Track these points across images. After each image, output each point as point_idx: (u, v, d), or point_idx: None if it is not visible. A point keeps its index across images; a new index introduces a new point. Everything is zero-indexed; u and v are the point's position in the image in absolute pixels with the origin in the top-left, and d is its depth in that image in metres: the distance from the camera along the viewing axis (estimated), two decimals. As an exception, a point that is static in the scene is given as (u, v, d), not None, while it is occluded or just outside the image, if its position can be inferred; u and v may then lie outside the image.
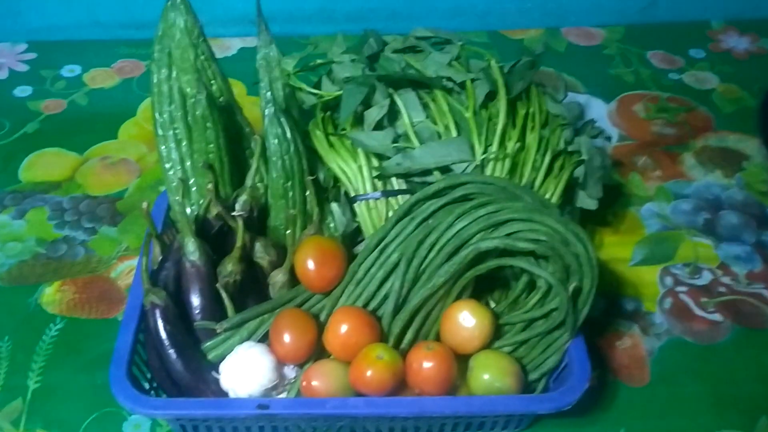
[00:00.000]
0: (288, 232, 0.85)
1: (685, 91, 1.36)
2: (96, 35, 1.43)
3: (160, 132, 0.91)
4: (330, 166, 0.91)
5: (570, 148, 0.94)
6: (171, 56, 0.89)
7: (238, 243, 0.81)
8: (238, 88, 1.34)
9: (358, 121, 0.92)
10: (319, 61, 1.00)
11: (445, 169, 0.89)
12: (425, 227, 0.82)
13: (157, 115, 0.91)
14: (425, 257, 0.80)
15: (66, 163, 1.18)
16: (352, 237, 0.93)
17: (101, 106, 1.29)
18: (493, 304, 0.84)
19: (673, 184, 1.17)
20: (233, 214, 0.81)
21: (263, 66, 0.93)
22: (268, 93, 0.87)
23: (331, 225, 0.93)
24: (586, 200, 0.95)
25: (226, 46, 1.44)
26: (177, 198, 0.90)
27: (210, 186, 0.82)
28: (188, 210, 0.90)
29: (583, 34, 1.50)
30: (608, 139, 1.07)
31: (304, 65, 0.97)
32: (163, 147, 0.91)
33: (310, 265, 0.81)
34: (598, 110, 1.31)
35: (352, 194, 0.91)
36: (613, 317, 0.98)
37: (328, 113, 0.96)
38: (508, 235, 0.77)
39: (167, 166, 0.91)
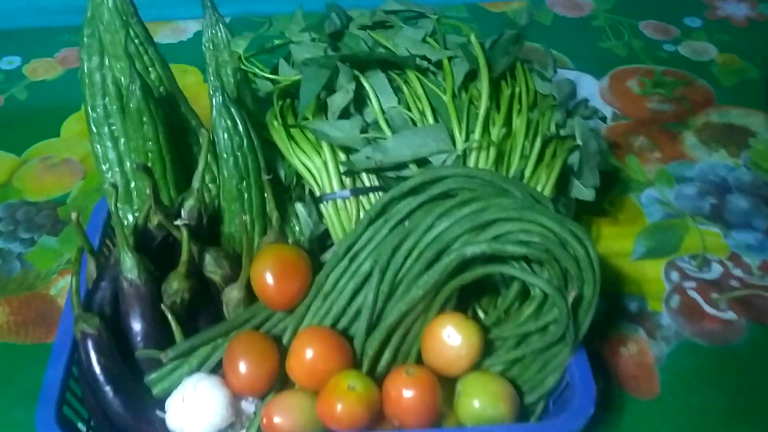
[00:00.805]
0: (244, 240, 0.74)
1: (682, 64, 1.25)
2: (36, 22, 1.31)
3: (93, 129, 0.80)
4: (291, 161, 0.80)
5: (562, 132, 0.83)
6: (102, 41, 0.77)
7: (184, 257, 0.70)
8: (195, 76, 1.22)
9: (321, 109, 0.80)
10: (276, 42, 0.88)
11: (422, 162, 0.78)
12: (401, 230, 0.71)
13: (89, 109, 0.80)
14: (402, 265, 0.69)
15: (2, 165, 1.06)
16: (321, 241, 0.82)
17: (43, 101, 1.17)
18: (481, 314, 0.74)
19: (675, 166, 1.07)
20: (176, 223, 0.69)
21: (209, 50, 0.82)
22: (216, 80, 0.76)
23: (296, 228, 0.82)
24: (582, 190, 0.85)
25: (182, 29, 1.32)
26: (115, 204, 0.79)
27: (148, 191, 0.70)
28: (129, 217, 0.79)
29: (570, 5, 1.39)
30: (603, 119, 0.96)
31: (259, 48, 0.85)
32: (98, 146, 0.80)
33: (269, 278, 0.70)
34: (589, 87, 1.20)
35: (318, 193, 0.79)
36: (615, 320, 0.88)
37: (288, 101, 0.84)
38: (497, 237, 0.66)
39: (104, 167, 0.80)
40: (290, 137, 0.81)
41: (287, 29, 0.87)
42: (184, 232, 0.70)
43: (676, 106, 1.17)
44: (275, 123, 0.82)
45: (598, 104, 1.17)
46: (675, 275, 0.92)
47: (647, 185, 1.04)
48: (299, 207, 0.82)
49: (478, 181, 0.73)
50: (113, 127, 0.79)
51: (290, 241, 0.81)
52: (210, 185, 0.81)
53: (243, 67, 0.81)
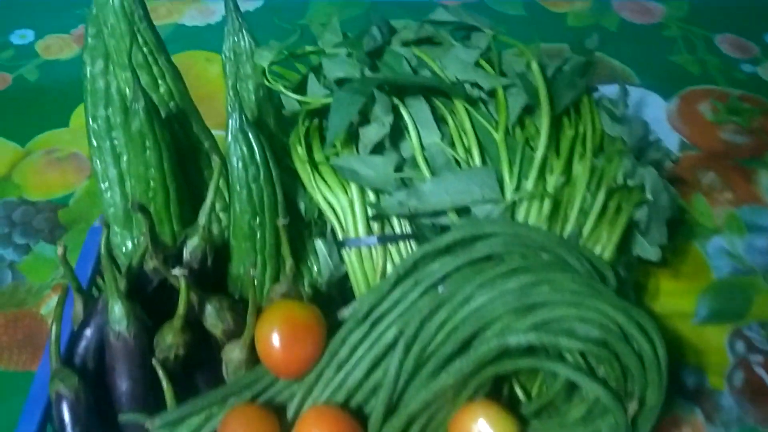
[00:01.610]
0: (249, 295, 0.64)
1: (762, 88, 1.11)
2: (56, -8, 1.21)
3: (93, 142, 0.70)
4: (313, 196, 0.70)
5: (630, 183, 0.71)
6: (107, 45, 0.67)
7: (180, 310, 0.60)
8: (220, 67, 1.11)
9: (352, 137, 0.69)
10: (308, 48, 0.77)
11: (463, 210, 0.67)
12: (433, 297, 0.60)
13: (90, 120, 0.70)
14: (431, 340, 0.59)
15: (3, 156, 0.97)
16: (340, 285, 0.72)
17: (54, 84, 1.07)
18: (519, 392, 0.64)
19: (748, 211, 0.94)
20: (173, 272, 0.59)
21: (230, 60, 0.71)
22: (235, 98, 0.65)
23: (314, 268, 0.72)
24: (647, 248, 0.73)
25: (210, 11, 1.21)
26: (115, 229, 0.69)
27: (145, 231, 0.60)
28: (128, 244, 0.69)
29: (639, 10, 1.25)
30: (675, 161, 0.84)
31: (289, 51, 0.74)
32: (97, 161, 0.70)
33: (276, 341, 0.60)
34: (656, 109, 1.07)
35: (341, 236, 0.69)
36: (669, 394, 0.76)
37: (316, 121, 0.73)
38: (546, 324, 0.56)
39: (103, 186, 0.71)
40: (314, 167, 0.70)
41: (321, 37, 0.76)
42: (182, 283, 0.60)
43: (753, 138, 1.03)
44: (299, 148, 0.71)
45: (664, 130, 1.04)
46: (740, 346, 0.81)
47: (715, 232, 0.92)
48: (319, 244, 0.71)
49: (527, 239, 0.62)
50: (115, 142, 0.69)
51: (306, 282, 0.71)
52: (221, 214, 0.71)
53: (267, 82, 0.70)
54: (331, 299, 0.72)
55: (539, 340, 0.54)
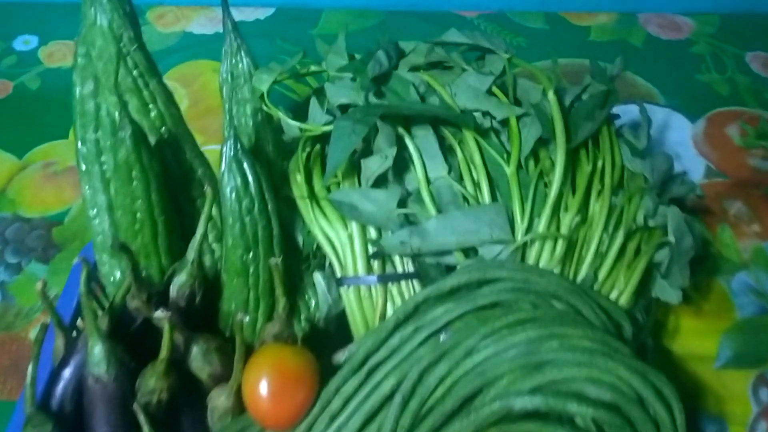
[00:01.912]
0: (237, 340, 0.60)
1: (795, 111, 1.05)
2: (62, -5, 1.17)
3: (83, 166, 0.66)
4: (311, 228, 0.65)
5: (651, 223, 0.66)
6: (96, 66, 0.63)
7: (163, 353, 0.57)
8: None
9: (355, 167, 0.65)
10: (313, 68, 0.73)
11: (470, 248, 0.62)
12: (434, 346, 0.56)
13: (79, 142, 0.66)
14: (429, 395, 0.54)
15: (0, 169, 0.94)
16: (339, 320, 0.68)
17: (55, 93, 1.04)
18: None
19: (776, 245, 0.89)
20: (156, 315, 0.56)
21: (227, 83, 0.67)
22: (230, 124, 0.61)
23: (311, 302, 0.68)
24: (668, 291, 0.68)
25: (219, 19, 1.16)
26: (103, 258, 0.66)
27: (127, 271, 0.56)
28: (117, 274, 0.66)
29: (666, 24, 1.19)
30: (700, 196, 0.79)
31: (292, 72, 0.70)
32: (86, 187, 0.67)
33: (264, 390, 0.56)
34: (681, 132, 1.02)
35: (339, 273, 0.65)
36: (687, 446, 0.72)
37: (317, 148, 0.69)
38: (555, 384, 0.51)
39: (92, 213, 0.67)
40: (313, 197, 0.66)
41: (326, 58, 0.71)
42: (165, 326, 0.56)
43: (785, 166, 0.98)
44: (298, 177, 0.67)
45: (689, 155, 0.99)
46: (765, 393, 0.76)
47: (740, 267, 0.86)
48: (318, 277, 0.67)
49: (538, 285, 0.58)
50: (104, 167, 0.65)
51: (303, 317, 0.67)
52: (214, 245, 0.67)
53: (265, 107, 0.66)
54: (328, 336, 0.68)
55: (546, 404, 0.50)
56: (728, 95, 1.07)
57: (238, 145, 0.60)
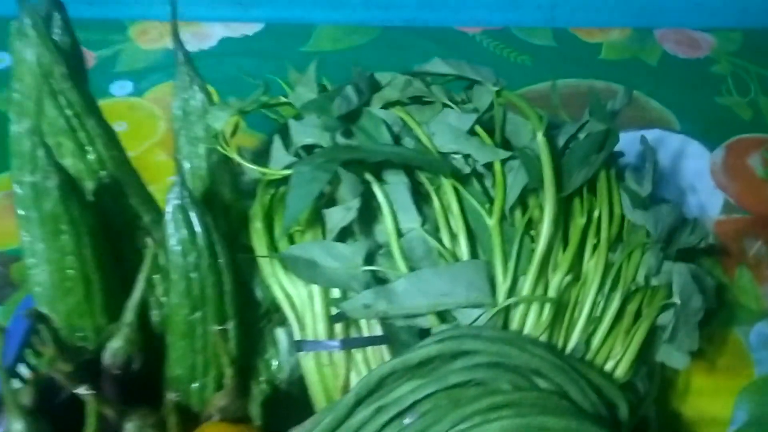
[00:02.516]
0: (174, 406, 0.53)
1: (825, 140, 0.96)
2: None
3: (20, 211, 0.60)
4: (269, 282, 0.59)
5: (654, 281, 0.58)
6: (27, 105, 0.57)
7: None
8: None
9: (319, 216, 0.58)
10: (282, 98, 0.66)
11: (445, 313, 0.55)
12: (399, 430, 0.49)
13: (15, 184, 0.59)
14: (389, 490, 0.47)
15: (-39, 197, 0.88)
16: (303, 384, 0.61)
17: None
18: None
19: (801, 291, 0.80)
20: (78, 392, 0.49)
21: (179, 119, 0.60)
22: (179, 169, 0.55)
23: (273, 363, 0.61)
24: (673, 356, 0.60)
25: (205, 34, 1.10)
26: (42, 310, 0.59)
27: (50, 340, 0.50)
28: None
29: (684, 41, 1.11)
30: (710, 248, 0.71)
31: (255, 103, 0.63)
32: (24, 233, 0.60)
33: (203, 478, 0.49)
34: (698, 161, 0.94)
35: (298, 334, 0.58)
36: None
37: (281, 190, 0.62)
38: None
39: (30, 261, 0.60)
40: (273, 247, 0.59)
41: (294, 90, 0.64)
42: (90, 404, 0.49)
43: (812, 201, 0.89)
44: (257, 224, 0.60)
45: (706, 187, 0.90)
46: (786, 465, 0.67)
47: (760, 317, 0.78)
48: (280, 335, 0.61)
49: (520, 366, 0.50)
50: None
51: (263, 378, 0.61)
52: (163, 299, 0.60)
53: (221, 148, 0.59)
54: (291, 400, 0.61)
55: None
56: (751, 120, 0.99)
57: (186, 192, 0.54)
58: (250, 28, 1.10)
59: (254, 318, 0.61)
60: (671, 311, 0.58)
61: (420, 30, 1.10)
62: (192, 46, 1.08)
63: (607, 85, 1.03)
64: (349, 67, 0.89)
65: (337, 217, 0.55)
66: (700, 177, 0.92)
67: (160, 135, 0.95)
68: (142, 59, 1.05)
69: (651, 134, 0.95)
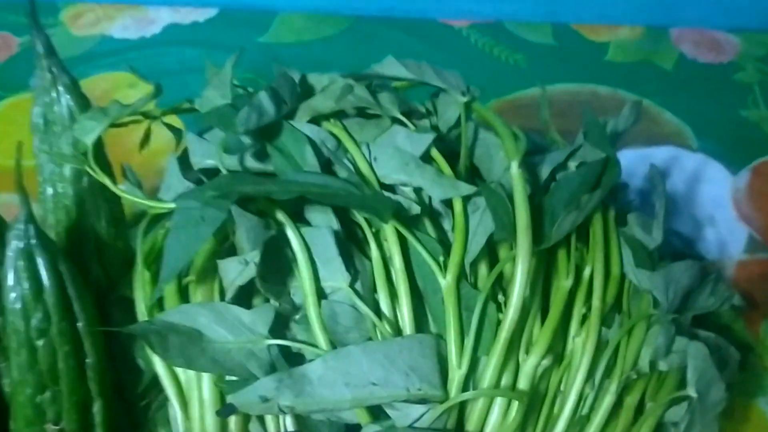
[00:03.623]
0: None
1: None
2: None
3: None
4: (149, 355, 0.44)
5: (662, 366, 0.44)
6: None
7: None
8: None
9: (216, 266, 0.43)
10: (186, 104, 0.51)
11: (376, 409, 0.40)
12: None
13: None
14: None
15: None
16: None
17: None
18: None
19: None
20: None
21: (38, 131, 0.45)
22: (23, 200, 0.40)
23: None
24: (684, 456, 0.45)
25: (149, 20, 0.95)
26: None
27: None
28: None
29: (705, 43, 0.95)
30: (737, 309, 0.56)
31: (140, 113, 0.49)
32: None
33: None
34: (718, 186, 0.79)
35: (181, 426, 0.43)
36: None
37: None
38: None
39: None
40: (160, 303, 0.45)
41: (205, 90, 0.50)
42: None
43: None
44: (142, 272, 0.46)
45: (727, 219, 0.76)
46: None
47: (788, 384, 0.63)
48: (172, 414, 0.46)
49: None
50: None
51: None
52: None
53: (90, 169, 0.44)
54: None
55: None
56: (780, 138, 0.84)
57: (32, 232, 0.39)
58: (202, 14, 0.95)
59: (137, 394, 0.47)
60: (684, 405, 0.44)
61: (398, 22, 0.95)
62: (132, 33, 0.94)
63: (613, 92, 0.88)
64: (315, 63, 0.74)
65: (232, 273, 0.40)
66: (720, 206, 0.77)
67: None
68: (73, 47, 0.91)
69: (663, 152, 0.81)
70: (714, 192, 0.78)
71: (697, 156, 0.81)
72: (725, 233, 0.74)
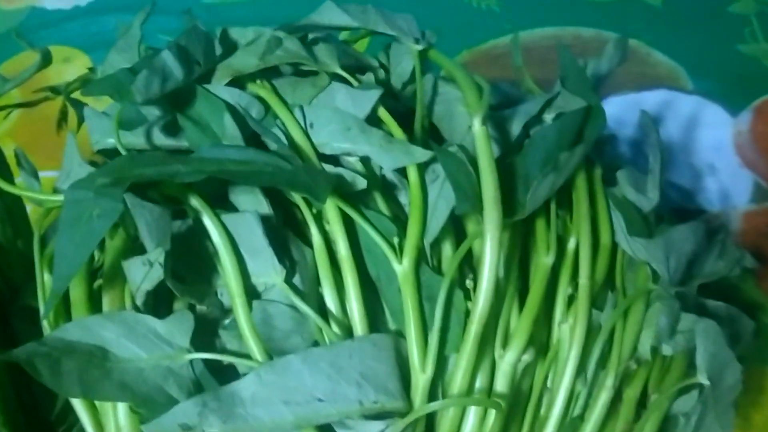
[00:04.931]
0: None
1: None
2: None
3: None
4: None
5: (665, 350, 0.37)
6: None
7: None
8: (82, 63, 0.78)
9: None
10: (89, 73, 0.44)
11: (326, 428, 0.33)
12: None
13: None
14: None
15: None
16: None
17: None
18: None
19: None
20: None
21: None
22: None
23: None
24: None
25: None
26: None
27: None
28: None
29: (695, -27, 0.87)
30: (751, 272, 0.49)
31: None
32: None
33: None
34: (717, 131, 0.72)
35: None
36: None
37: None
38: None
39: None
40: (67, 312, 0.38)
41: (108, 54, 0.42)
42: None
43: None
44: (44, 276, 0.38)
45: (729, 165, 0.69)
46: None
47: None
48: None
49: None
50: None
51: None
52: None
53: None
54: None
55: None
56: (783, 73, 0.76)
57: None
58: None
59: (53, 417, 0.40)
60: (694, 394, 0.37)
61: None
62: (65, 2, 0.85)
63: (596, 33, 0.80)
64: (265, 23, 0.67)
65: (139, 274, 0.33)
66: (721, 152, 0.70)
67: (12, 121, 0.73)
68: (2, 22, 0.83)
69: (655, 97, 0.74)
70: (713, 137, 0.71)
71: (692, 98, 0.74)
72: (728, 182, 0.68)
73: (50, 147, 0.67)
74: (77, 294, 0.37)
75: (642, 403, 0.37)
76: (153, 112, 0.36)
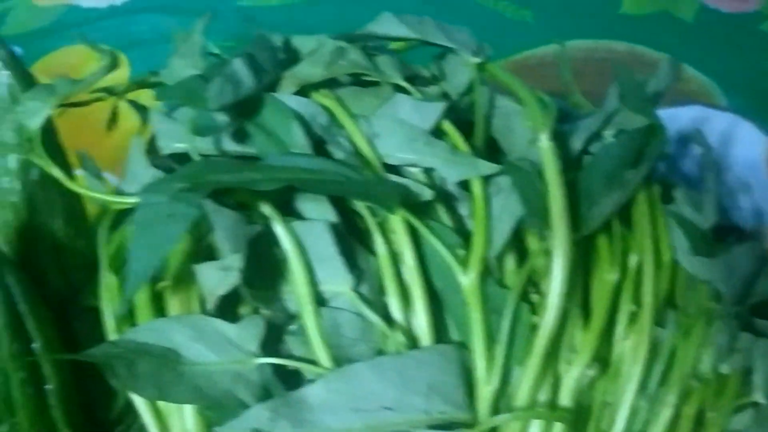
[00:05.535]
0: None
1: None
2: None
3: None
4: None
5: (723, 369, 0.37)
6: None
7: None
8: (118, 75, 0.78)
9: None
10: (151, 76, 0.44)
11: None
12: None
13: None
14: None
15: None
16: None
17: None
18: None
19: None
20: None
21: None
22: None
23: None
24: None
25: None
26: None
27: None
28: None
29: (728, -10, 0.87)
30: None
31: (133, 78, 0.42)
32: None
33: None
34: (751, 149, 0.72)
35: (161, 462, 0.36)
36: None
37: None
38: None
39: None
40: (131, 313, 0.38)
41: (171, 59, 0.42)
42: None
43: None
44: (107, 277, 0.39)
45: (763, 185, 0.69)
46: None
47: None
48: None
49: None
50: None
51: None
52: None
53: (38, 160, 0.37)
54: None
55: None
56: (817, 92, 0.76)
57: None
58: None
59: (112, 418, 0.40)
60: (748, 412, 0.37)
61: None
62: (101, 1, 0.85)
63: (629, 47, 0.80)
64: (302, 27, 0.67)
65: (212, 280, 0.33)
66: (755, 170, 0.70)
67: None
68: (34, 20, 0.83)
69: (689, 113, 0.74)
70: (746, 155, 0.71)
71: (726, 116, 0.74)
72: (761, 200, 0.68)
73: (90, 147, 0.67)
74: (141, 297, 0.37)
75: (697, 421, 0.37)
76: (222, 119, 0.36)
